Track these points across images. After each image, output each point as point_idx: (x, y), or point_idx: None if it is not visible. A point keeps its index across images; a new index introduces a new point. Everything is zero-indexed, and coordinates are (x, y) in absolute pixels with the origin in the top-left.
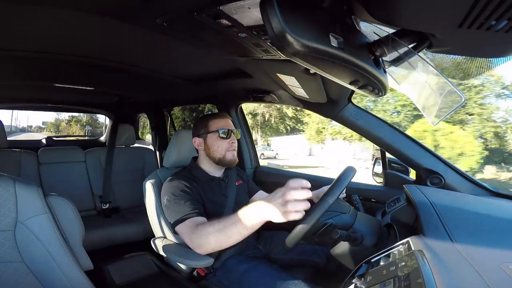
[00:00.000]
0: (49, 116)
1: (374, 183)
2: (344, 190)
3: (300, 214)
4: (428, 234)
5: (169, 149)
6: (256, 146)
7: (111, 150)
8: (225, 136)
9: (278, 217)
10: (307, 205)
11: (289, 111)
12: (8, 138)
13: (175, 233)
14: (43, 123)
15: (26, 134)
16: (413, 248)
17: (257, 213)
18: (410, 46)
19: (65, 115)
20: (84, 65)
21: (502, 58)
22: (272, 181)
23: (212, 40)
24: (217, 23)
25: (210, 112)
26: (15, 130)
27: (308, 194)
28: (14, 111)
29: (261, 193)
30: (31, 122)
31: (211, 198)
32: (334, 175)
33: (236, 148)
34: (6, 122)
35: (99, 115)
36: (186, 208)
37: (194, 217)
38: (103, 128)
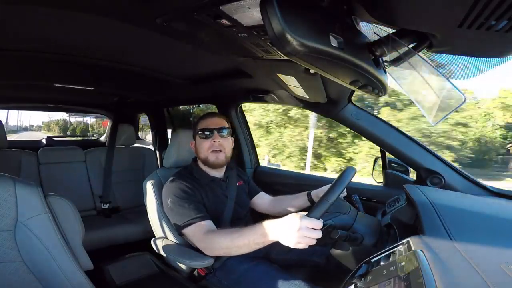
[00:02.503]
0: (47, 117)
1: (374, 183)
2: (345, 190)
3: (308, 243)
4: (428, 234)
5: (169, 149)
6: None
7: (111, 150)
8: (205, 136)
9: (290, 244)
10: (314, 241)
11: None
12: (14, 135)
13: (180, 234)
14: (43, 122)
15: (29, 132)
16: (413, 248)
17: (271, 234)
18: (410, 46)
19: (55, 117)
20: (84, 65)
21: (502, 58)
22: (272, 181)
23: (212, 40)
24: (217, 23)
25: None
26: (19, 129)
27: (319, 235)
28: (18, 112)
29: (262, 194)
30: (33, 122)
31: (212, 199)
32: None
33: (222, 148)
34: (12, 122)
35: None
36: (192, 212)
37: (201, 221)
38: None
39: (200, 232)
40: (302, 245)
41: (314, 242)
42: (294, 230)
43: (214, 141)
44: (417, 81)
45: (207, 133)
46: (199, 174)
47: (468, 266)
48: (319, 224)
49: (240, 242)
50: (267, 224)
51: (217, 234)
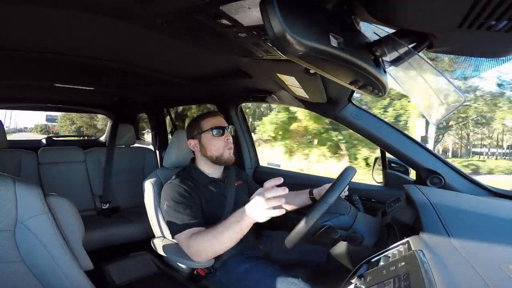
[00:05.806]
0: (36, 121)
1: (374, 183)
2: (346, 188)
3: (279, 211)
4: (428, 234)
5: (169, 149)
6: None
7: (111, 150)
8: (219, 134)
9: (261, 216)
10: (282, 201)
11: None
12: (13, 134)
13: (173, 238)
14: (35, 125)
15: (22, 133)
16: (413, 248)
17: (242, 216)
18: (410, 46)
19: (41, 122)
20: (84, 65)
21: (502, 58)
22: None
23: (212, 40)
24: (217, 23)
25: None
26: (14, 130)
27: (284, 191)
28: (12, 114)
29: (259, 191)
30: (27, 124)
31: (211, 200)
32: None
33: (232, 145)
34: (11, 125)
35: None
36: (185, 217)
37: (193, 227)
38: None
39: (188, 238)
40: (273, 212)
41: (281, 202)
42: (259, 201)
43: (227, 139)
44: (417, 81)
45: (221, 131)
46: (197, 175)
47: (468, 266)
48: (276, 181)
49: (221, 236)
50: (239, 210)
51: (200, 235)
